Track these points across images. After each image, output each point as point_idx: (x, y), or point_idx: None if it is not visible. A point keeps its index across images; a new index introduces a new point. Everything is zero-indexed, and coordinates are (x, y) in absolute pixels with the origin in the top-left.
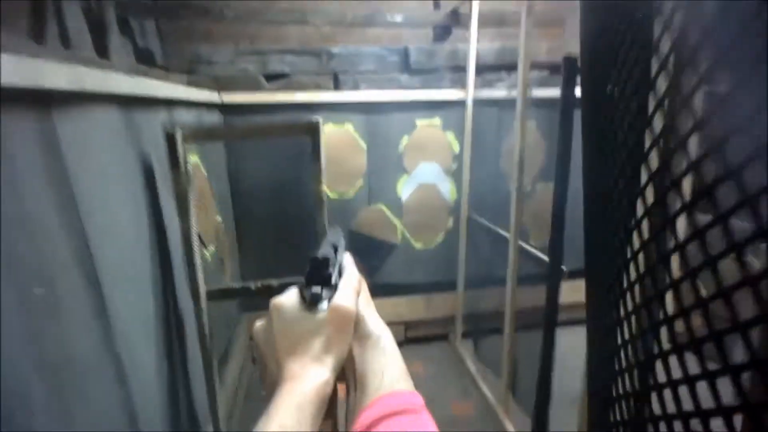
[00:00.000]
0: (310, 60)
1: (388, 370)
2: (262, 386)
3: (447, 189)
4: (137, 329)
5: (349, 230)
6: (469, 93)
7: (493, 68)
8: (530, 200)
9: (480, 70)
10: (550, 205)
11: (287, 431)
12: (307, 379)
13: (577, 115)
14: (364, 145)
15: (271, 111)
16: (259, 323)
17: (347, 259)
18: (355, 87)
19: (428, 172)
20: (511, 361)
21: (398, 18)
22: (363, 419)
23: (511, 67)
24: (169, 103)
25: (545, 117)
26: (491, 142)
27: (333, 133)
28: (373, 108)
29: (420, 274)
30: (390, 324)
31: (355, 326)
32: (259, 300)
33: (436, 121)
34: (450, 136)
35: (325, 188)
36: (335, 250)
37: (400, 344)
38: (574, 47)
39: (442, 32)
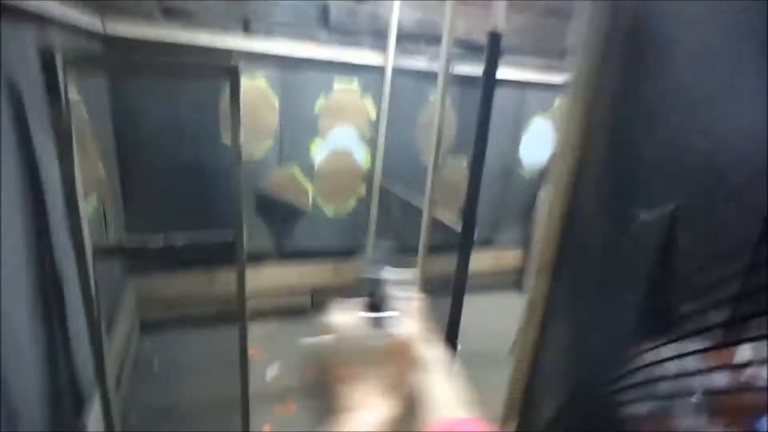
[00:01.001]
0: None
1: (449, 394)
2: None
3: (361, 155)
4: (5, 290)
5: (257, 193)
6: (389, 60)
7: (412, 38)
8: (440, 173)
9: (400, 38)
10: (459, 178)
11: None
12: (376, 411)
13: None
14: (276, 103)
15: (166, 52)
16: (314, 340)
17: (405, 278)
18: (269, 36)
19: (343, 136)
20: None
21: None
22: None
23: (431, 40)
24: (40, 21)
25: (457, 93)
26: (407, 112)
27: (242, 86)
28: (288, 62)
29: (330, 239)
30: (297, 290)
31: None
32: (147, 261)
33: (355, 84)
34: (367, 102)
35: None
36: (390, 269)
37: (306, 309)
38: (497, 24)
39: None
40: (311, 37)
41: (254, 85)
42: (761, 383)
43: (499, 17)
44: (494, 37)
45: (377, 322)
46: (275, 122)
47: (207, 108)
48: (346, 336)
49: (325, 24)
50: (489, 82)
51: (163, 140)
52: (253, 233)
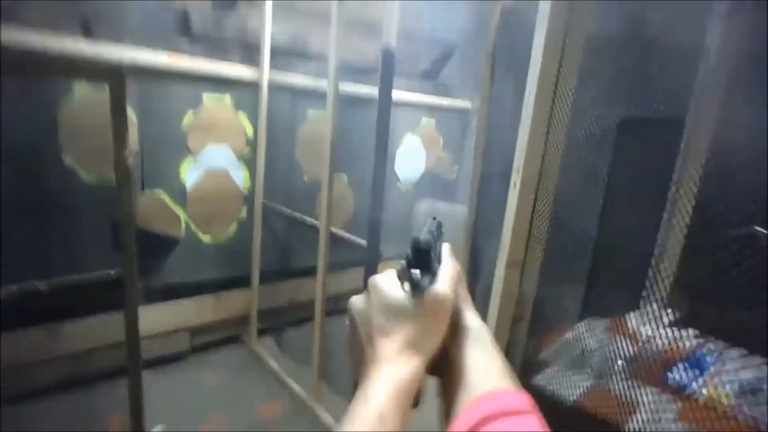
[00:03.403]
0: None
1: (492, 366)
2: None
3: (240, 176)
4: None
5: (114, 224)
6: (264, 72)
7: (284, 52)
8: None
9: (273, 53)
10: (343, 194)
11: (386, 414)
12: (404, 364)
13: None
14: (134, 117)
15: None
16: (356, 298)
17: (445, 250)
18: (117, 40)
19: (218, 155)
20: (322, 348)
21: None
22: (466, 417)
23: (304, 55)
24: None
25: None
26: (285, 129)
27: (87, 98)
28: (146, 72)
29: (208, 270)
30: (173, 332)
31: (453, 318)
32: None
33: (227, 99)
34: (243, 118)
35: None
36: (433, 236)
37: (186, 354)
38: (389, 42)
39: (227, 2)
40: (170, 44)
41: (103, 96)
42: (656, 346)
43: (391, 36)
44: (387, 55)
45: (416, 280)
46: (134, 140)
47: (38, 121)
48: (382, 292)
49: (185, 32)
50: (385, 99)
51: None
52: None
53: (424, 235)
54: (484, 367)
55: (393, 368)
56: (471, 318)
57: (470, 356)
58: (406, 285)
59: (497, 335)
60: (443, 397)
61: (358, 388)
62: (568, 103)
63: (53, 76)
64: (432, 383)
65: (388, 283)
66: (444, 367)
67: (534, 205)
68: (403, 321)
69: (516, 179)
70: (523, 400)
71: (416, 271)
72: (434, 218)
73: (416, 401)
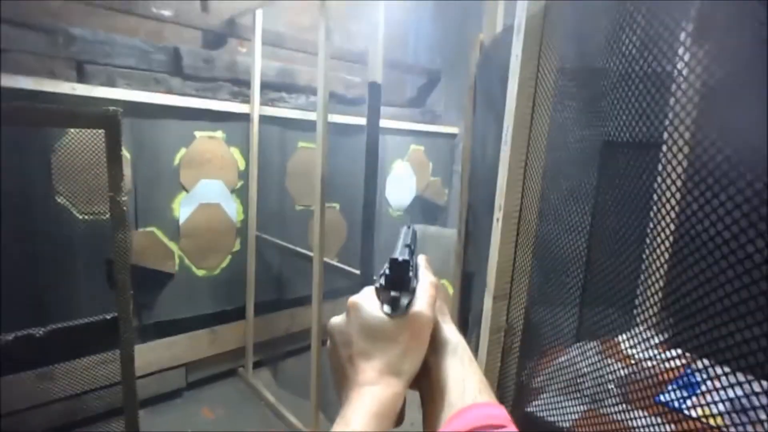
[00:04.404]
0: (38, 38)
1: (469, 379)
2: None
3: (233, 208)
4: None
5: (107, 259)
6: (254, 107)
7: (273, 87)
8: (312, 218)
9: (262, 87)
10: (335, 221)
11: None
12: (384, 388)
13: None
14: (128, 155)
15: None
16: (336, 319)
17: (422, 262)
18: (111, 83)
19: (210, 190)
20: (319, 378)
21: (166, 12)
22: (450, 429)
23: (292, 89)
24: None
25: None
26: (276, 160)
27: (81, 138)
28: (140, 111)
29: (203, 305)
30: (167, 370)
31: (432, 333)
32: None
33: (219, 134)
34: (235, 152)
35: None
36: (410, 250)
37: (181, 391)
38: (375, 75)
39: (216, 39)
40: (162, 84)
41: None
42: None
43: (377, 70)
44: (374, 87)
45: (395, 302)
46: (128, 178)
47: (33, 162)
48: (362, 315)
49: (177, 70)
50: (373, 129)
51: None
52: (106, 308)
53: (401, 252)
54: (463, 380)
55: (373, 393)
56: (449, 331)
57: (449, 370)
58: (386, 307)
59: (488, 367)
60: (423, 410)
61: (339, 412)
62: (544, 132)
63: (49, 124)
64: (413, 396)
65: (368, 304)
66: (423, 380)
67: (517, 238)
68: (384, 344)
69: (498, 215)
70: (502, 413)
71: (395, 293)
72: (408, 226)
73: (399, 419)
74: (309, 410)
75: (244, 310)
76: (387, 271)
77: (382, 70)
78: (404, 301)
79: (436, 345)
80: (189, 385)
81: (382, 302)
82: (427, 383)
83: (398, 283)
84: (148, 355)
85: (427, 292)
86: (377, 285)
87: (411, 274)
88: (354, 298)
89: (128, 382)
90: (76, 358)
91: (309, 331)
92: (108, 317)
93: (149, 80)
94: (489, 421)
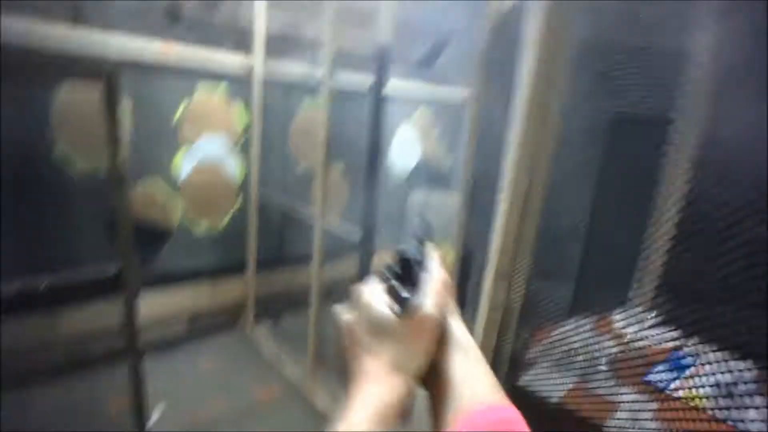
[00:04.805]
0: None
1: (482, 379)
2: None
3: (234, 166)
4: None
5: (110, 214)
6: (258, 63)
7: (278, 41)
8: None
9: (266, 41)
10: (338, 182)
11: None
12: (387, 385)
13: None
14: (127, 107)
15: None
16: (343, 308)
17: (434, 259)
18: (107, 27)
19: (212, 146)
20: (317, 336)
21: None
22: (463, 429)
23: (299, 43)
24: None
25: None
26: (279, 119)
27: (78, 87)
28: (138, 60)
29: (205, 258)
30: (171, 318)
31: (440, 330)
32: None
33: (221, 90)
34: (237, 107)
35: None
36: (420, 245)
37: (183, 339)
38: (384, 35)
39: None
40: (161, 32)
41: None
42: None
43: (386, 31)
44: (383, 51)
45: (403, 300)
46: (126, 131)
47: (32, 115)
48: (368, 311)
49: (176, 18)
50: (379, 90)
51: None
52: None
53: (410, 246)
54: (473, 380)
55: (376, 390)
56: (458, 329)
57: (459, 369)
58: (395, 306)
59: (484, 342)
60: (431, 409)
61: (343, 406)
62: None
63: (46, 75)
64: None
65: (374, 300)
66: (431, 379)
67: (521, 218)
68: (389, 341)
69: (502, 196)
70: (515, 415)
71: (403, 290)
72: (422, 218)
73: (407, 413)
74: (306, 364)
75: (245, 265)
76: (396, 268)
77: (392, 29)
78: (413, 301)
79: (444, 344)
80: (190, 335)
81: (390, 299)
82: (435, 382)
83: (405, 275)
84: (151, 303)
85: (437, 290)
86: (385, 278)
87: (418, 268)
88: (360, 291)
89: (131, 329)
90: (79, 303)
91: (309, 288)
92: (111, 270)
93: (148, 28)
94: (501, 423)
